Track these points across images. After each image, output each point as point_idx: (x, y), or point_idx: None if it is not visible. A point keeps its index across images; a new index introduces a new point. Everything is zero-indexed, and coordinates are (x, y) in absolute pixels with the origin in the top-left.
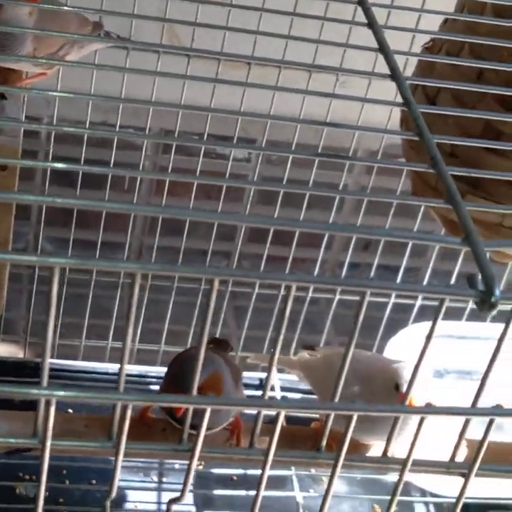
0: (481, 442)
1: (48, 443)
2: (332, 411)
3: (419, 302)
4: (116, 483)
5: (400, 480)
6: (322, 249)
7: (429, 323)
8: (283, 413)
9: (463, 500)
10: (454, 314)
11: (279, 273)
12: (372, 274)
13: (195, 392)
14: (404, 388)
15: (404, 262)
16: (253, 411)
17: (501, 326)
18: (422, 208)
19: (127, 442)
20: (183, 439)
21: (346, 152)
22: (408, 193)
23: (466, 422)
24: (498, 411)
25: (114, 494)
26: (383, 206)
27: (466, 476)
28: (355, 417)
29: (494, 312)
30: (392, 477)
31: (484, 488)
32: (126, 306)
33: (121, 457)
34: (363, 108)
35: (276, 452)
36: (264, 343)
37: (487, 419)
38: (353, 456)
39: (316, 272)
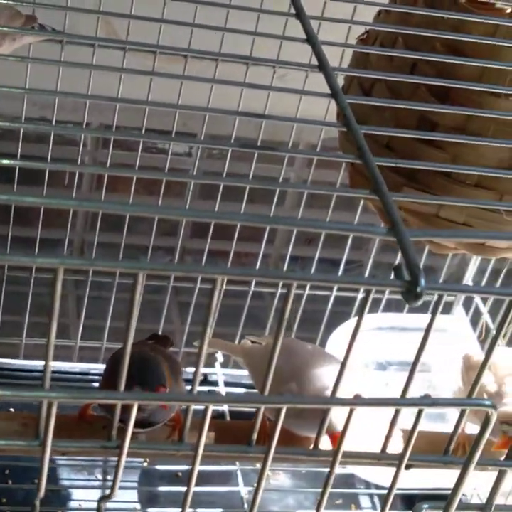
0: (411, 432)
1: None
2: (261, 404)
3: (360, 295)
4: (44, 482)
5: (330, 472)
6: (264, 243)
7: (372, 316)
8: (211, 407)
9: (395, 490)
10: (396, 306)
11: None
12: (313, 267)
13: (122, 388)
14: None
15: (346, 255)
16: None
17: (443, 317)
18: (362, 201)
19: (54, 440)
20: (112, 436)
21: (286, 145)
22: (347, 185)
23: (397, 413)
24: (425, 401)
25: (42, 493)
26: (324, 199)
27: (397, 467)
28: (283, 411)
29: (420, 302)
30: (337, 470)
31: (434, 477)
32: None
33: (47, 456)
34: (301, 101)
35: (207, 447)
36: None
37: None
38: (284, 449)
39: (258, 266)
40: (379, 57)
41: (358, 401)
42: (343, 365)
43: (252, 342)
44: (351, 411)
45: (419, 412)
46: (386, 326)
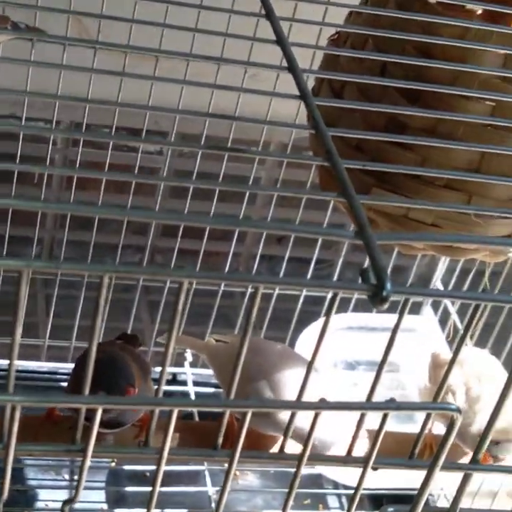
0: (376, 436)
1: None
2: (226, 408)
3: (330, 295)
4: (8, 484)
5: (295, 475)
6: (234, 243)
7: (341, 316)
8: (176, 411)
9: (362, 491)
10: (366, 306)
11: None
12: (284, 266)
13: (87, 392)
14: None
15: (316, 254)
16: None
17: (412, 317)
18: (332, 202)
19: (18, 444)
20: (77, 439)
21: (257, 145)
22: (318, 184)
23: (362, 416)
24: (390, 405)
25: (5, 496)
26: (295, 199)
27: (363, 469)
28: (249, 414)
29: (386, 306)
30: (305, 470)
31: (402, 477)
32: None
33: (11, 459)
34: (272, 101)
35: (172, 450)
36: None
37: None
38: (250, 453)
39: (228, 265)
40: (349, 59)
41: (323, 405)
42: (309, 367)
43: (217, 340)
44: (316, 415)
45: (385, 416)
46: (355, 326)
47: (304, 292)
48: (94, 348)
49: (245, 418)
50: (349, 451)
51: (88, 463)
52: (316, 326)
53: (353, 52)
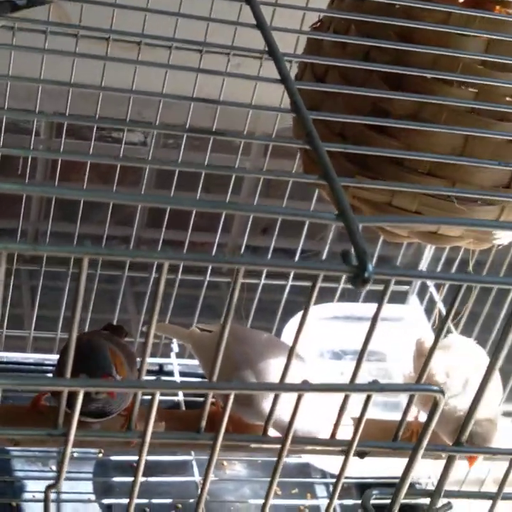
0: (360, 417)
1: None
2: (209, 390)
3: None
4: None
5: (279, 460)
6: (219, 233)
7: (327, 305)
8: (158, 393)
9: (351, 479)
10: (351, 295)
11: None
12: (269, 257)
13: (68, 375)
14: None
15: (301, 245)
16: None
17: (398, 306)
18: (316, 191)
19: (0, 428)
20: (59, 424)
21: (241, 135)
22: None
23: (346, 398)
24: (373, 387)
25: None
26: (280, 189)
27: (346, 452)
28: (232, 397)
29: (367, 287)
30: (293, 459)
31: (389, 466)
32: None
33: None
34: (256, 91)
35: (155, 434)
36: None
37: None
38: (233, 436)
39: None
40: (332, 44)
41: (306, 386)
42: (291, 350)
43: (201, 330)
44: (299, 397)
45: (368, 398)
46: (341, 316)
47: (290, 282)
48: (75, 333)
49: (228, 400)
50: (332, 435)
51: (70, 447)
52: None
53: (336, 37)
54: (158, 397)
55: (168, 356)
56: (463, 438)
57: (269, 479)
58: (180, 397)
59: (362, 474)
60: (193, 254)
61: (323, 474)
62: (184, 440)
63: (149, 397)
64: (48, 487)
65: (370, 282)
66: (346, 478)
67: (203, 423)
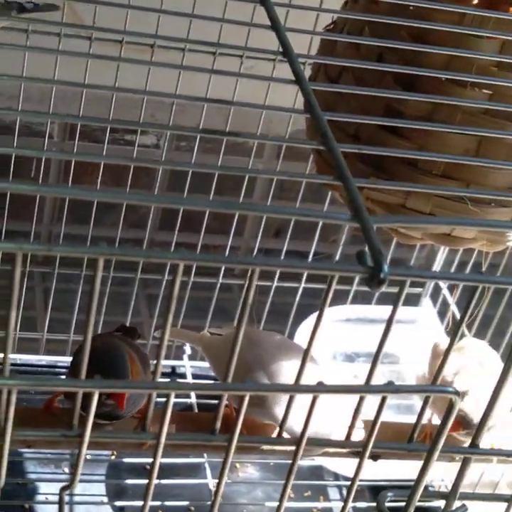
0: (375, 419)
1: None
2: (224, 391)
3: (333, 285)
4: (4, 470)
5: (294, 462)
6: (231, 236)
7: (340, 308)
8: (173, 394)
9: (364, 482)
10: (364, 298)
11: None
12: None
13: (83, 376)
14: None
15: (314, 247)
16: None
17: (411, 309)
18: (329, 193)
19: (15, 429)
20: (74, 425)
21: (254, 136)
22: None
23: (361, 400)
24: (388, 388)
25: (2, 482)
26: (293, 191)
27: (361, 454)
28: (247, 398)
29: (383, 288)
30: (305, 462)
31: (403, 470)
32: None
33: (7, 444)
34: (269, 93)
35: (170, 435)
36: None
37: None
38: (247, 437)
39: None
40: (346, 47)
41: (321, 388)
42: (306, 352)
43: (212, 333)
44: (314, 399)
45: (383, 399)
46: (354, 318)
47: (303, 285)
48: (90, 333)
49: (242, 402)
50: (347, 437)
51: (85, 448)
52: (315, 318)
53: (350, 38)
54: (173, 398)
55: (181, 358)
56: (478, 440)
57: (281, 481)
58: (192, 399)
59: (374, 477)
60: (207, 255)
61: (336, 477)
62: (199, 441)
63: (162, 399)
64: (63, 489)
65: (386, 283)
66: (360, 480)
67: (218, 424)
